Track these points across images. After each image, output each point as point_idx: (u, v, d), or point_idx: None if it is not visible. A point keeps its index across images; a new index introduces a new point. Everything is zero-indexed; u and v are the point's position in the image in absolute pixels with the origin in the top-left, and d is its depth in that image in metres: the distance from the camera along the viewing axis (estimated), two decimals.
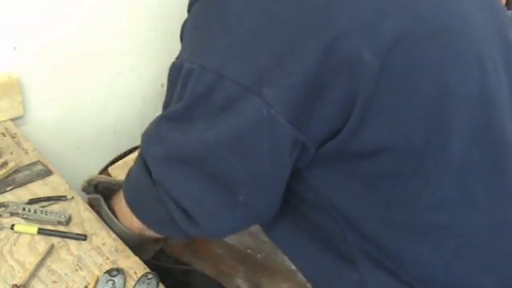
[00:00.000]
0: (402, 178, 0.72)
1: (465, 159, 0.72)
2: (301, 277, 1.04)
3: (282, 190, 0.76)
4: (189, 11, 0.80)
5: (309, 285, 0.95)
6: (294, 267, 0.98)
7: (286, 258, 1.00)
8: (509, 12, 1.41)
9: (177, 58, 0.76)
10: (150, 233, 0.93)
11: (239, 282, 1.14)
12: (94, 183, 1.07)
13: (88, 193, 1.08)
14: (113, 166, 1.31)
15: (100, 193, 1.04)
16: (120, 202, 0.96)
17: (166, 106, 0.81)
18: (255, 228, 1.23)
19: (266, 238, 1.15)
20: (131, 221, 0.93)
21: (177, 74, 0.74)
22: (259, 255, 1.20)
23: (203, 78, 0.69)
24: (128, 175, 0.91)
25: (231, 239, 1.23)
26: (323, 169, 0.74)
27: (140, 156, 0.83)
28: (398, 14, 0.68)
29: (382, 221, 0.75)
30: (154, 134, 0.79)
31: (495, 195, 0.75)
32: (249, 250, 1.21)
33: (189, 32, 0.76)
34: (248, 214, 0.77)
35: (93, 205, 1.06)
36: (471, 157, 0.73)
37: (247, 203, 0.74)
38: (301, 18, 0.66)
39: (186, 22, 0.79)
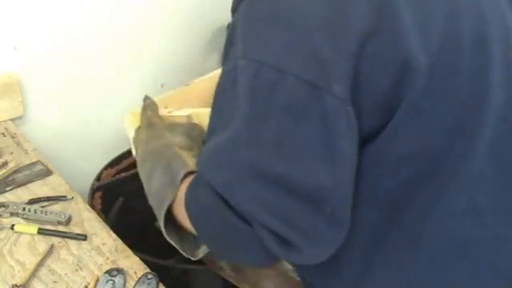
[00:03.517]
0: (418, 183, 0.70)
1: (481, 171, 0.71)
2: (286, 266, 1.05)
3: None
4: (234, 10, 0.74)
5: (294, 274, 0.93)
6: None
7: None
8: None
9: (228, 62, 0.68)
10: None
11: (223, 263, 1.15)
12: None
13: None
14: None
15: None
16: (185, 215, 0.80)
17: (217, 122, 0.71)
18: None
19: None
20: (189, 227, 0.80)
21: (230, 76, 0.66)
22: None
23: (262, 75, 0.63)
24: (192, 205, 0.77)
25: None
26: None
27: (208, 185, 0.71)
28: (447, 17, 0.66)
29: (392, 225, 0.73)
30: (219, 157, 0.69)
31: (501, 210, 0.74)
32: None
33: (241, 29, 0.68)
34: (339, 226, 0.68)
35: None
36: (486, 169, 0.72)
37: (337, 216, 0.67)
38: (364, 13, 0.63)
39: (235, 21, 0.71)
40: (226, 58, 0.71)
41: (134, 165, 1.41)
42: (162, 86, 1.54)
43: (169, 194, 0.82)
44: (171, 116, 1.13)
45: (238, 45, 0.67)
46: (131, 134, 1.06)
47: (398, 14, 0.62)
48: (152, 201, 0.87)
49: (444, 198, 0.71)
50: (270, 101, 0.63)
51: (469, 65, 0.67)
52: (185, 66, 1.56)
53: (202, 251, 0.88)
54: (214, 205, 0.71)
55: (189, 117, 1.11)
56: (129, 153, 1.41)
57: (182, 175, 0.83)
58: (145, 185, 0.91)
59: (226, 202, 0.69)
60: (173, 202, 0.82)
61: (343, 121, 0.63)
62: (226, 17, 1.55)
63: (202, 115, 1.09)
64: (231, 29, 0.71)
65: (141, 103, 1.51)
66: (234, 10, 0.74)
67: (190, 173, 0.83)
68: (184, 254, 0.85)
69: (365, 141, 0.67)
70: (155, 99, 1.16)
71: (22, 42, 1.22)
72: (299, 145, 0.64)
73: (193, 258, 0.86)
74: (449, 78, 0.66)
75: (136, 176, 1.40)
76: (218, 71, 0.78)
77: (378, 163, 0.69)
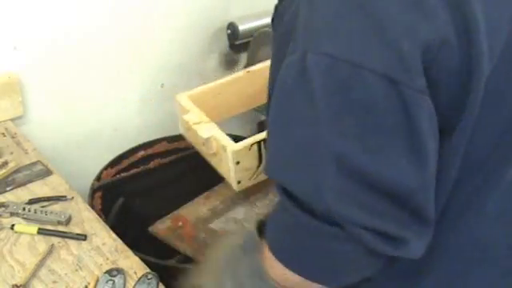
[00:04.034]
0: (460, 184, 0.68)
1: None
2: None
3: None
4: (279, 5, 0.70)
5: None
6: None
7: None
8: None
9: (291, 54, 0.63)
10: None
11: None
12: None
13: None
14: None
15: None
16: (270, 262, 0.73)
17: (285, 119, 0.66)
18: (240, 215, 1.27)
19: (248, 224, 1.19)
20: (290, 280, 0.72)
21: (294, 69, 0.62)
22: None
23: (335, 70, 0.59)
24: (270, 228, 0.73)
25: (215, 225, 1.25)
26: None
27: (284, 196, 0.66)
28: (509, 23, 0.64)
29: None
30: (299, 159, 0.64)
31: None
32: None
33: (307, 18, 0.63)
34: (430, 219, 0.66)
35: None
36: None
37: (423, 210, 0.64)
38: (441, 10, 0.59)
39: (294, 13, 0.65)
40: (281, 49, 0.66)
41: (133, 165, 1.42)
42: (162, 86, 1.54)
43: (257, 258, 0.77)
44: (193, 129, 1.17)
45: (303, 35, 0.62)
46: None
47: (475, 17, 0.60)
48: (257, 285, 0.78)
49: (475, 202, 0.70)
50: (346, 97, 0.60)
51: None
52: (185, 66, 1.56)
53: None
54: (297, 222, 0.66)
55: (207, 140, 1.15)
56: (129, 153, 1.41)
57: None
58: None
59: (308, 212, 0.64)
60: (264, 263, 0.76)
61: (425, 114, 0.60)
62: (226, 17, 1.55)
63: (220, 139, 1.13)
64: (291, 17, 0.66)
65: (141, 103, 1.52)
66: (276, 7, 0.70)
67: None
68: None
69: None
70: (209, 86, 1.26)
71: (22, 41, 1.22)
72: (381, 141, 0.61)
73: None
74: (503, 86, 0.64)
75: (136, 176, 1.41)
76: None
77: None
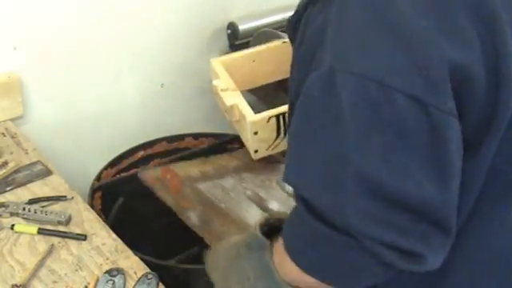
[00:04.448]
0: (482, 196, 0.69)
1: None
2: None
3: None
4: (306, 7, 0.70)
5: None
6: (252, 223, 0.96)
7: (248, 215, 0.98)
8: None
9: (319, 68, 0.63)
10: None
11: (191, 215, 1.19)
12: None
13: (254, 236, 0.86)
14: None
15: (265, 234, 0.84)
16: (282, 260, 0.76)
17: (308, 134, 0.66)
18: (228, 185, 1.30)
19: (234, 194, 1.25)
20: (301, 280, 0.74)
21: (321, 82, 0.62)
22: (223, 205, 1.24)
23: (363, 90, 0.59)
24: (288, 231, 0.74)
25: (202, 186, 1.28)
26: None
27: (303, 206, 0.68)
28: None
29: None
30: (321, 176, 0.64)
31: None
32: (214, 199, 1.25)
33: (336, 33, 0.63)
34: (447, 234, 0.66)
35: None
36: None
37: (444, 225, 0.65)
38: (471, 32, 0.60)
39: (319, 27, 0.66)
40: (305, 61, 0.67)
41: (133, 165, 1.42)
42: (162, 86, 1.54)
43: (265, 257, 0.80)
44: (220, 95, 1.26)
45: (331, 51, 0.63)
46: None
47: (504, 37, 0.60)
48: (262, 283, 0.81)
49: (498, 214, 0.71)
50: (374, 116, 0.60)
51: None
52: (185, 66, 1.56)
53: None
54: (314, 231, 0.68)
55: (231, 107, 1.23)
56: (129, 153, 1.41)
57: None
58: None
59: (328, 223, 0.66)
60: (274, 263, 0.79)
61: (454, 136, 0.61)
62: (226, 17, 1.55)
63: (241, 108, 1.21)
64: (318, 31, 0.66)
65: (140, 103, 1.52)
66: (305, 6, 0.70)
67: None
68: None
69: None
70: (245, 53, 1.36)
71: (22, 41, 1.22)
72: (407, 160, 0.61)
73: None
74: None
75: (136, 176, 1.41)
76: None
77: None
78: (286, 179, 0.70)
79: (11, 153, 1.17)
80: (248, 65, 1.38)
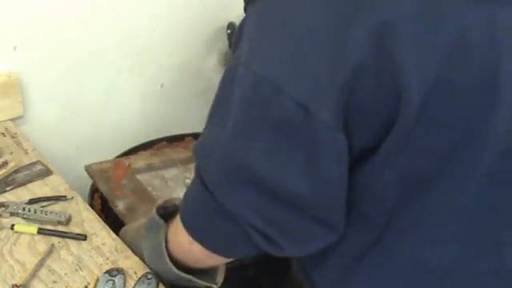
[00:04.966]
0: (401, 208, 0.72)
1: (470, 203, 0.71)
2: None
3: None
4: (246, 9, 0.74)
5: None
6: None
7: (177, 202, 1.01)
8: None
9: (233, 60, 0.70)
10: (209, 263, 0.88)
11: (120, 203, 1.21)
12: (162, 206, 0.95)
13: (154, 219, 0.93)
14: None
15: (162, 217, 0.91)
16: (176, 228, 0.85)
17: (214, 115, 0.73)
18: (170, 175, 1.34)
19: (172, 183, 1.31)
20: (189, 250, 0.83)
21: (230, 78, 0.68)
22: (155, 193, 1.28)
23: (259, 89, 0.64)
24: (185, 199, 0.82)
25: (141, 177, 1.31)
26: None
27: (198, 177, 0.75)
28: (451, 53, 0.63)
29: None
30: (209, 153, 0.72)
31: (483, 244, 0.75)
32: (150, 188, 1.29)
33: (247, 35, 0.69)
34: (326, 230, 0.73)
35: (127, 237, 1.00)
36: (476, 203, 0.71)
37: (321, 221, 0.71)
38: (363, 43, 0.61)
39: (244, 20, 0.71)
40: (234, 52, 0.72)
41: None
42: (162, 85, 1.54)
43: (160, 236, 0.88)
44: None
45: (243, 48, 0.68)
46: None
47: (397, 50, 0.61)
48: (154, 261, 0.91)
49: (425, 226, 0.72)
50: (262, 115, 0.65)
51: (469, 105, 0.65)
52: (185, 66, 1.56)
53: (220, 277, 0.92)
54: (200, 194, 0.75)
55: None
56: (129, 153, 1.41)
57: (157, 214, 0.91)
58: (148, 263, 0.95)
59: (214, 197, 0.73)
60: (167, 242, 0.87)
61: (331, 146, 0.64)
62: (226, 17, 1.55)
63: None
64: (240, 26, 0.72)
65: (141, 103, 1.52)
66: (245, 10, 0.74)
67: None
68: (205, 283, 0.90)
69: (355, 163, 0.68)
70: None
71: (22, 41, 1.22)
72: (285, 161, 0.66)
73: (214, 286, 0.90)
74: (441, 112, 0.65)
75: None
76: None
77: (365, 185, 0.70)
78: (192, 149, 0.77)
79: (11, 153, 1.17)
80: None
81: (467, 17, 0.62)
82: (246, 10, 0.74)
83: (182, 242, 0.83)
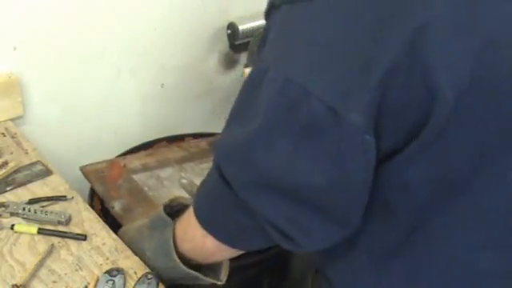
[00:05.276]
0: (435, 209, 0.71)
1: (508, 205, 0.71)
2: None
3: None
4: (267, 16, 0.74)
5: None
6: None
7: None
8: None
9: (261, 61, 0.69)
10: (220, 257, 0.89)
11: (116, 204, 1.21)
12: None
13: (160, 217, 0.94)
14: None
15: (169, 215, 0.93)
16: (188, 223, 0.87)
17: (238, 114, 0.73)
18: (165, 174, 1.33)
19: (168, 183, 1.30)
20: (202, 245, 0.84)
21: (257, 81, 0.68)
22: (151, 193, 1.27)
23: (287, 92, 0.64)
24: (200, 194, 0.83)
25: (137, 177, 1.30)
26: None
27: (217, 173, 0.75)
28: (482, 51, 0.63)
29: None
30: (233, 152, 0.72)
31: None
32: (146, 188, 1.28)
33: (275, 38, 0.69)
34: (344, 227, 0.73)
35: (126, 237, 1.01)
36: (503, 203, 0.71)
37: (341, 219, 0.72)
38: (395, 46, 0.61)
39: (269, 24, 0.71)
40: (259, 54, 0.72)
41: None
42: (162, 86, 1.54)
43: (167, 233, 0.90)
44: None
45: (269, 51, 0.68)
46: None
47: (428, 51, 0.61)
48: (159, 260, 0.92)
49: (461, 228, 0.72)
50: (290, 118, 0.65)
51: (505, 104, 0.65)
52: (185, 67, 1.56)
53: (225, 274, 0.93)
54: (218, 187, 0.75)
55: None
56: (129, 153, 1.41)
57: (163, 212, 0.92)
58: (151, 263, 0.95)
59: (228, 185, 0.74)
60: (175, 239, 0.89)
61: (359, 148, 0.64)
62: (226, 17, 1.55)
63: None
64: (265, 29, 0.72)
65: (141, 103, 1.52)
66: (267, 16, 0.73)
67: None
68: (211, 280, 0.91)
69: (382, 161, 0.68)
70: None
71: (22, 41, 1.22)
72: (310, 163, 0.66)
73: (219, 283, 0.92)
74: (479, 112, 0.64)
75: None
76: None
77: (390, 183, 0.70)
78: (213, 149, 0.78)
79: (11, 153, 1.17)
80: None
81: (500, 15, 0.62)
82: (268, 13, 0.73)
83: (195, 236, 0.84)
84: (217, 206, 0.79)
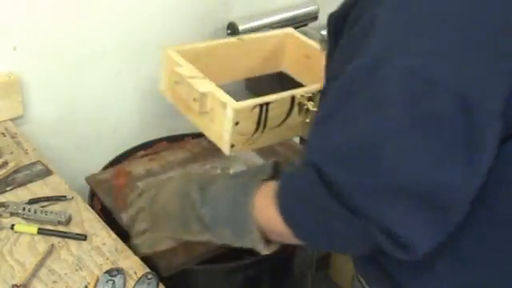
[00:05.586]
0: None
1: None
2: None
3: None
4: (355, 3, 0.69)
5: None
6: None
7: None
8: None
9: (362, 57, 0.65)
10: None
11: (124, 215, 1.15)
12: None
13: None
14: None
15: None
16: (270, 213, 0.77)
17: (344, 115, 0.67)
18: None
19: None
20: (280, 233, 0.78)
21: (365, 76, 0.64)
22: None
23: (410, 84, 0.61)
24: (286, 196, 0.75)
25: (142, 183, 1.26)
26: None
27: (315, 174, 0.69)
28: None
29: None
30: (350, 156, 0.66)
31: None
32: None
33: (387, 26, 0.64)
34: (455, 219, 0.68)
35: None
36: None
37: (452, 219, 0.67)
38: None
39: (372, 16, 0.66)
40: (353, 51, 0.68)
41: None
42: None
43: (249, 188, 0.81)
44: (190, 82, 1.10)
45: (380, 43, 0.64)
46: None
47: None
48: (226, 208, 0.83)
49: None
50: (417, 110, 0.61)
51: None
52: None
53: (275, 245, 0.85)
54: (318, 196, 0.69)
55: (203, 95, 1.08)
56: (129, 153, 1.41)
57: (255, 185, 0.82)
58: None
59: (334, 194, 0.67)
60: (254, 207, 0.80)
61: (488, 135, 0.62)
62: (226, 17, 1.55)
63: (218, 96, 1.07)
64: (367, 21, 0.67)
65: (140, 103, 1.52)
66: (356, 2, 0.70)
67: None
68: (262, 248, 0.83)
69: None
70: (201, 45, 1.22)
71: (22, 41, 1.22)
72: (438, 157, 0.63)
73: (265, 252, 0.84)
74: None
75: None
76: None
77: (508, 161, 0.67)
78: (310, 154, 0.71)
79: (11, 153, 1.17)
80: (205, 58, 1.24)
81: None
82: (355, 4, 0.70)
83: (270, 217, 0.77)
84: (309, 211, 0.72)
